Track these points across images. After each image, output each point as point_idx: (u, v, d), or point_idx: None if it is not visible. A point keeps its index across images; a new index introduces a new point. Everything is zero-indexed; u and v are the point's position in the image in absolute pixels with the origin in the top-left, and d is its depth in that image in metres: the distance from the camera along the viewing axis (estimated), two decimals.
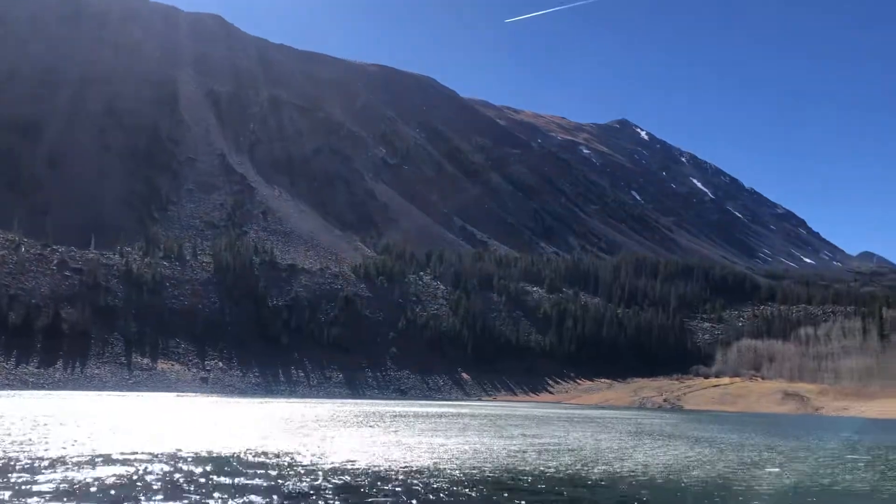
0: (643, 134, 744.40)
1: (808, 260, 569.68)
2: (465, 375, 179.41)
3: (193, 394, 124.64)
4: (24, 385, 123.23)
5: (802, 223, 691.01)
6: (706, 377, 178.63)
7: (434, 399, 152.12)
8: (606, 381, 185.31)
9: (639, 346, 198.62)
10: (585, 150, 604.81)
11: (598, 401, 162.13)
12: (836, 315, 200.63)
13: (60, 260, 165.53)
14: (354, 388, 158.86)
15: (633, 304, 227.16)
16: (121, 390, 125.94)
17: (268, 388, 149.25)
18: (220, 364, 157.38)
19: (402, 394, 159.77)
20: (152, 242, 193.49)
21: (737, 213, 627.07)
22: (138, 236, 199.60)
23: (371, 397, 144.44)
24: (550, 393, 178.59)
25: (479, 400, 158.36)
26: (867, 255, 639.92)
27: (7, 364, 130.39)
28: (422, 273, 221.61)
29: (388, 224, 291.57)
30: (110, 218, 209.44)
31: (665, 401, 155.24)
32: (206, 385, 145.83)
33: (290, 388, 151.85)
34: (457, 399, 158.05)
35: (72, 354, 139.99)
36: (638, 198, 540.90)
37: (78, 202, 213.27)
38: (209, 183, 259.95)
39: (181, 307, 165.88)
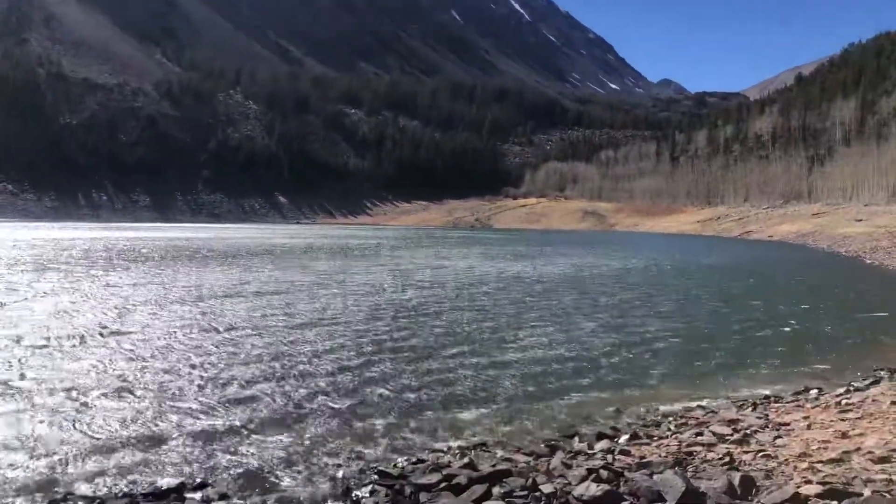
0: None
1: (613, 85, 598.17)
2: (282, 199, 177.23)
3: None
4: None
5: (611, 49, 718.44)
6: (515, 198, 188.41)
7: (250, 223, 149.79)
8: (423, 202, 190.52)
9: (454, 168, 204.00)
10: None
11: (415, 222, 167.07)
12: (635, 139, 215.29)
13: None
14: (164, 212, 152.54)
15: (450, 127, 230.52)
16: None
17: (67, 213, 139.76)
18: (10, 187, 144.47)
19: (216, 218, 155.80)
20: None
21: (551, 37, 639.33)
22: None
23: (182, 222, 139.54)
24: (370, 215, 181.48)
25: (298, 223, 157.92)
26: (666, 83, 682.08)
27: None
28: (232, 91, 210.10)
29: (192, 36, 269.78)
30: None
31: (477, 220, 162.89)
32: None
33: (93, 213, 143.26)
34: (274, 223, 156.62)
35: None
36: (458, 18, 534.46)
37: None
38: None
39: None
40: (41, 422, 10.33)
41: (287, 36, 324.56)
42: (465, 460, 8.44)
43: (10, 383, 12.33)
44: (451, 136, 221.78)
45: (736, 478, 6.92)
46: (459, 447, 9.41)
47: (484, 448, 9.38)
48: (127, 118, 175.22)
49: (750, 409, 11.01)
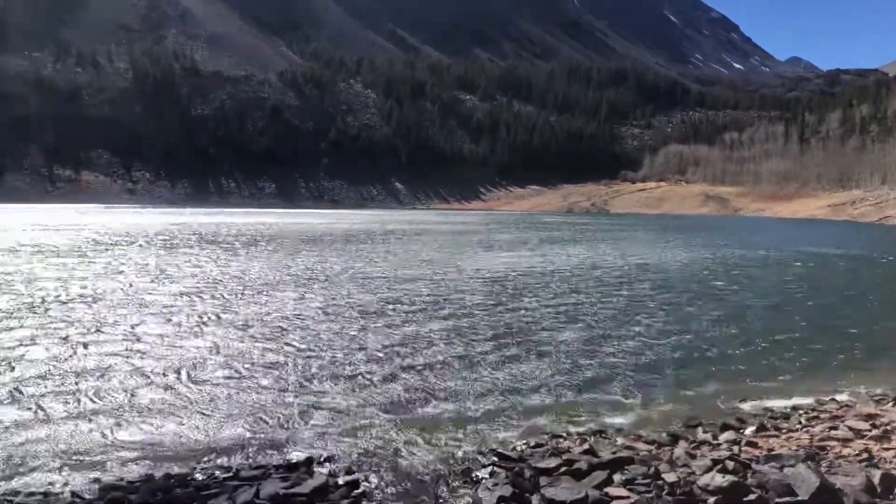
0: None
1: (738, 66, 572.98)
2: (398, 185, 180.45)
3: (122, 206, 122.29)
4: None
5: (735, 28, 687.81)
6: (633, 182, 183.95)
7: (368, 208, 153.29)
8: (537, 187, 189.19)
9: (570, 153, 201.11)
10: None
11: (529, 207, 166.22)
12: (761, 120, 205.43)
13: None
14: (288, 198, 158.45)
15: (566, 111, 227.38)
16: (44, 202, 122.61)
17: (199, 199, 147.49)
18: (148, 175, 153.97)
19: (336, 203, 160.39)
20: (64, 47, 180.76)
21: (672, 18, 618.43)
22: (46, 40, 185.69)
23: (305, 208, 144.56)
24: (483, 201, 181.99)
25: (414, 208, 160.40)
26: (795, 61, 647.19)
27: None
28: (352, 81, 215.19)
29: (314, 28, 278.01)
30: (15, 20, 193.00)
31: (592, 205, 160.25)
32: (135, 197, 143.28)
33: (222, 199, 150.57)
34: (390, 208, 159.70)
35: None
36: (574, 0, 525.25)
37: None
38: None
39: (101, 117, 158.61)
40: (183, 395, 11.09)
41: (403, 24, 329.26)
42: (585, 446, 8.42)
43: (142, 367, 13.23)
44: (566, 120, 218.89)
45: (876, 475, 6.59)
46: (578, 433, 9.39)
47: (603, 435, 9.32)
48: (253, 108, 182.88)
49: (891, 404, 10.39)
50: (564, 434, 9.39)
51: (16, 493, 7.65)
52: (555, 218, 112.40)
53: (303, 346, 14.37)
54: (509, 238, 54.31)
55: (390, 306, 19.35)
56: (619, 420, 10.17)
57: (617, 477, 7.25)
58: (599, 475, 7.24)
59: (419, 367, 12.87)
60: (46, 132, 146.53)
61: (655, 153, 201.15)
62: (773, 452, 7.84)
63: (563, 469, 7.58)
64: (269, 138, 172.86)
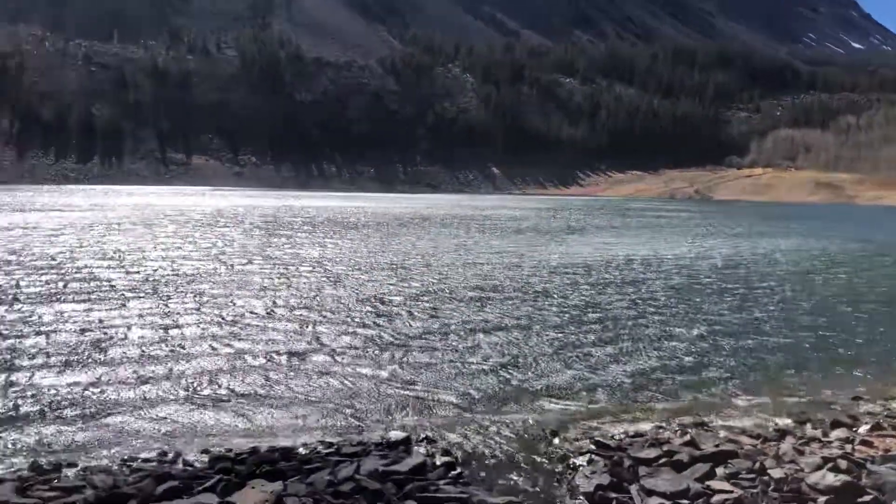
0: None
1: (856, 45, 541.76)
2: (495, 170, 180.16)
3: (229, 188, 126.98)
4: (66, 180, 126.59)
5: (853, 4, 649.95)
6: (739, 168, 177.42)
7: (464, 193, 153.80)
8: (638, 173, 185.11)
9: (672, 137, 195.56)
10: None
11: (629, 193, 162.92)
12: (881, 103, 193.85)
13: (85, 55, 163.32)
14: (386, 182, 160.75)
15: (670, 94, 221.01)
16: (158, 185, 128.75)
17: (301, 183, 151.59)
18: (254, 159, 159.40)
19: (433, 188, 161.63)
20: (176, 35, 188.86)
21: None
22: (160, 29, 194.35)
23: (402, 192, 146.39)
24: (581, 186, 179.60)
25: (510, 194, 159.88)
26: None
27: (47, 159, 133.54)
28: (450, 65, 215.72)
29: (414, 13, 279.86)
30: (131, 9, 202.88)
31: (696, 192, 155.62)
32: (242, 179, 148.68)
33: (324, 183, 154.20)
34: (487, 193, 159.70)
35: (107, 150, 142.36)
36: None
37: None
38: None
39: (210, 102, 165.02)
40: (283, 375, 11.50)
41: (503, 8, 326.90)
42: (686, 438, 8.24)
43: (242, 348, 13.75)
44: (670, 104, 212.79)
45: None
46: (679, 424, 9.19)
47: (705, 427, 9.09)
48: (354, 94, 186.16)
49: None
50: (664, 425, 9.21)
51: (133, 459, 8.13)
52: (657, 204, 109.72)
53: (401, 330, 14.61)
54: (610, 224, 53.43)
55: (491, 293, 19.39)
56: (721, 413, 9.90)
57: (720, 471, 7.06)
58: (701, 468, 7.07)
59: (517, 355, 12.88)
60: (160, 118, 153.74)
61: (763, 138, 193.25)
62: (891, 453, 7.46)
63: (664, 460, 7.45)
64: (369, 123, 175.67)
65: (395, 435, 8.78)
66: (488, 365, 12.10)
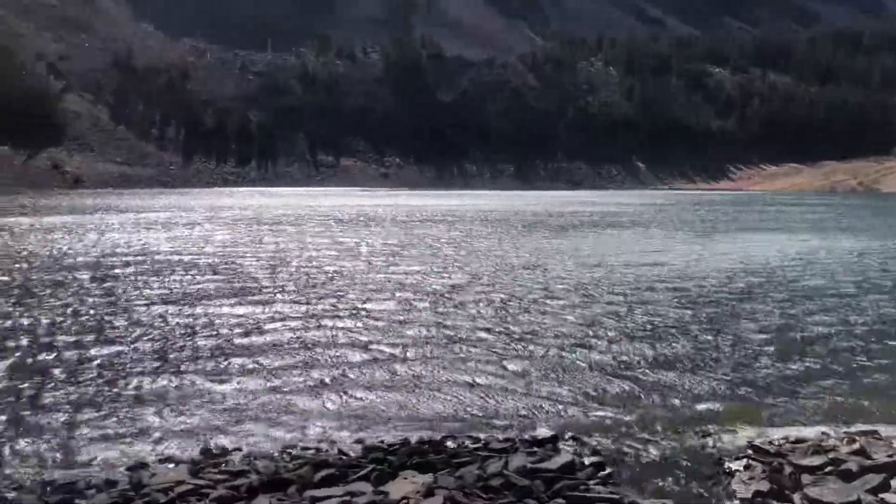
0: None
1: None
2: (639, 164, 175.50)
3: (375, 189, 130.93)
4: (225, 182, 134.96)
5: None
6: None
7: (607, 189, 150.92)
8: (794, 165, 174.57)
9: (832, 126, 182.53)
10: None
11: (784, 187, 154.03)
12: None
13: (242, 64, 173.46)
14: (526, 180, 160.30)
15: (829, 81, 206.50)
16: (309, 186, 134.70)
17: (444, 182, 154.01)
18: (398, 160, 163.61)
19: (575, 185, 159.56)
20: (325, 42, 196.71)
21: None
22: (309, 36, 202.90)
23: (542, 189, 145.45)
24: (731, 180, 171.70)
25: (655, 189, 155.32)
26: None
27: (209, 164, 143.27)
28: (592, 59, 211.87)
29: (553, 6, 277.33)
30: (283, 19, 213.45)
31: (860, 184, 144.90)
32: (388, 181, 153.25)
33: (465, 182, 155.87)
34: (631, 188, 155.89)
35: (262, 154, 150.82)
36: None
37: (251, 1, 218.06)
38: None
39: (357, 105, 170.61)
40: (431, 369, 11.78)
41: None
42: (855, 446, 7.74)
43: (391, 342, 14.13)
44: (830, 91, 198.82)
45: None
46: (846, 432, 8.63)
47: (876, 436, 8.48)
48: (495, 92, 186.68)
49: None
50: (829, 432, 8.69)
51: (292, 446, 8.61)
52: (819, 199, 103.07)
53: (551, 330, 14.57)
54: (770, 220, 50.86)
55: (648, 293, 19.00)
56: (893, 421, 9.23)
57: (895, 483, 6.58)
58: (873, 479, 6.61)
59: (668, 356, 12.55)
60: (311, 121, 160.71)
61: None
62: None
63: (829, 469, 7.03)
64: (510, 121, 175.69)
65: (543, 433, 8.79)
66: (639, 367, 11.87)
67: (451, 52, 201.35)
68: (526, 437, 8.70)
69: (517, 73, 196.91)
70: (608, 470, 7.68)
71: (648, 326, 14.58)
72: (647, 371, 11.51)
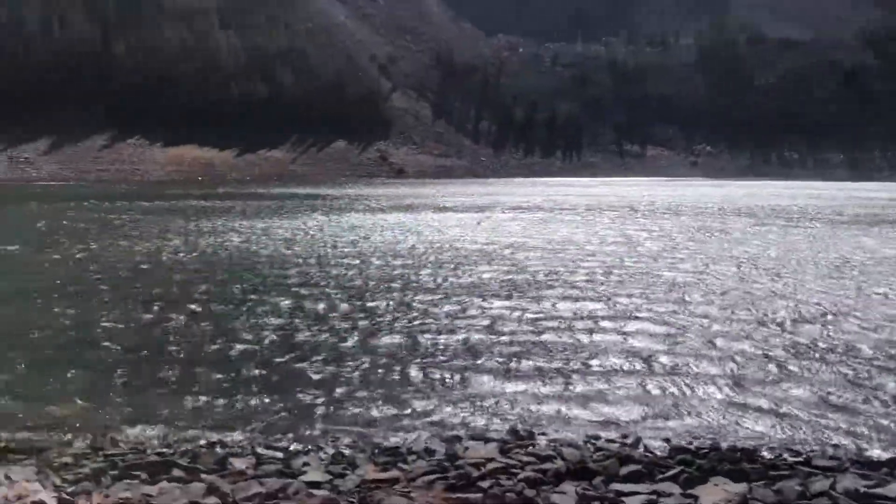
0: None
1: None
2: None
3: (684, 179, 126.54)
4: (531, 173, 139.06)
5: None
6: None
7: None
8: None
9: None
10: None
11: None
12: None
13: (553, 57, 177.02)
14: (858, 170, 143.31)
15: None
16: (613, 176, 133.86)
17: (758, 171, 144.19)
18: (709, 148, 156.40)
19: None
20: (635, 31, 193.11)
21: None
22: (620, 27, 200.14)
23: (879, 180, 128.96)
24: None
25: None
26: None
27: (517, 155, 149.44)
28: None
29: None
30: (593, 10, 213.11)
31: None
32: (696, 169, 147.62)
33: (783, 171, 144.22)
34: None
35: (568, 145, 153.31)
36: None
37: None
38: None
39: (665, 94, 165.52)
40: (750, 376, 11.19)
41: None
42: None
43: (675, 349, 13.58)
44: None
45: None
46: None
47: None
48: (821, 74, 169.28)
49: None
50: None
51: (596, 437, 8.74)
52: None
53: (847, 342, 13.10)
54: None
55: None
56: None
57: None
58: None
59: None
60: (618, 112, 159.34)
61: None
62: None
63: None
64: (838, 104, 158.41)
65: (877, 454, 7.94)
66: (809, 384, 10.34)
67: (771, 33, 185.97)
68: (856, 457, 7.93)
69: (851, 51, 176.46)
70: None
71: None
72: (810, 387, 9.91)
